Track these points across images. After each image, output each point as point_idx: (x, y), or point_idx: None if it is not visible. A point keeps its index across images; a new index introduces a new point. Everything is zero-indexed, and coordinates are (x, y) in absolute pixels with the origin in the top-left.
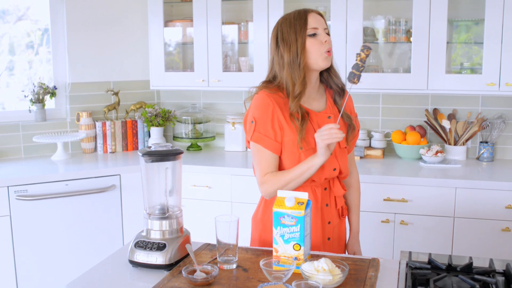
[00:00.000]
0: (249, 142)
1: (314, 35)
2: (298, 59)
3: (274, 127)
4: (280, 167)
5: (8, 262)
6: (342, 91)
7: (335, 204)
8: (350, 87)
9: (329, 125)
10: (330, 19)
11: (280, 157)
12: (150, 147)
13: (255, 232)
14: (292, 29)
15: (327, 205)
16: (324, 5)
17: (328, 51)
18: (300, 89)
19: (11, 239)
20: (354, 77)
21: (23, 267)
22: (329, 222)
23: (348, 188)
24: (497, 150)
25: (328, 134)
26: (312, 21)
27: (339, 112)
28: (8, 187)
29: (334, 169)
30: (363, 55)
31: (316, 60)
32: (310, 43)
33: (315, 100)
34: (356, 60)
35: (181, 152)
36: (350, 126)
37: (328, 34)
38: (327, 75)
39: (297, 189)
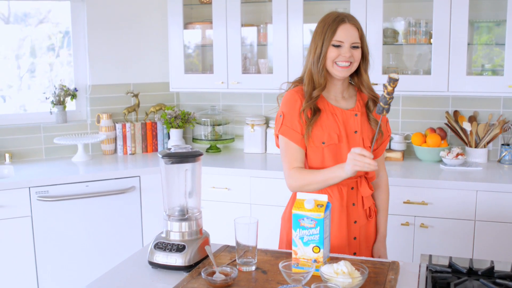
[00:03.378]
0: (277, 136)
1: (338, 46)
2: (319, 64)
3: (300, 122)
4: (306, 161)
5: (29, 263)
6: (373, 99)
7: (362, 204)
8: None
9: (363, 151)
10: None
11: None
12: (170, 148)
13: (283, 231)
14: (323, 34)
15: (353, 204)
16: (344, 6)
17: (345, 65)
18: (318, 93)
19: (32, 239)
20: (383, 111)
21: (44, 268)
22: (355, 222)
23: (376, 190)
24: None
25: (361, 163)
26: (340, 34)
27: (366, 114)
28: (29, 188)
29: None
30: (389, 88)
31: (331, 69)
32: (331, 51)
33: (344, 99)
34: (384, 92)
35: (201, 154)
36: (378, 132)
37: (357, 47)
38: (358, 81)
39: (324, 190)
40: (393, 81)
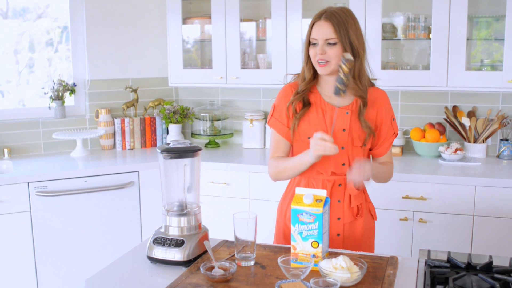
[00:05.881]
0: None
1: (314, 43)
2: (306, 60)
3: (287, 115)
4: (292, 154)
5: (28, 257)
6: (361, 99)
7: (349, 202)
8: (338, 101)
9: (323, 135)
10: None
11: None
12: (169, 144)
13: (276, 219)
14: (307, 32)
15: (339, 201)
16: (343, 1)
17: (322, 63)
18: (304, 87)
19: (31, 234)
20: (340, 92)
21: (43, 263)
22: (338, 218)
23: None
24: None
25: (322, 147)
26: (314, 31)
27: (359, 118)
28: (28, 183)
29: (343, 164)
30: (345, 68)
31: (315, 66)
32: (310, 49)
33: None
34: (340, 74)
35: (200, 149)
36: (369, 134)
37: (332, 44)
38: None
39: (310, 183)
40: (348, 61)
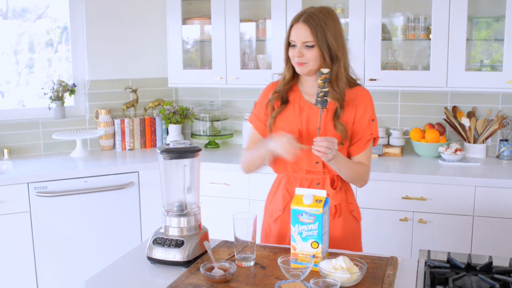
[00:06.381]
0: None
1: (294, 45)
2: (286, 60)
3: (266, 112)
4: None
5: (28, 258)
6: (338, 102)
7: None
8: (322, 110)
9: (292, 141)
10: (348, 16)
11: None
12: (169, 144)
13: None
14: (286, 33)
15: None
16: (343, 1)
17: (299, 64)
18: (282, 87)
19: (31, 235)
20: (317, 104)
21: (42, 263)
22: None
23: None
24: None
25: (283, 147)
26: (293, 34)
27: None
28: (28, 183)
29: (317, 163)
30: (320, 82)
31: (294, 66)
32: (289, 51)
33: None
34: (318, 87)
35: (200, 150)
36: (344, 137)
37: (310, 46)
38: None
39: (290, 181)
40: (320, 75)
